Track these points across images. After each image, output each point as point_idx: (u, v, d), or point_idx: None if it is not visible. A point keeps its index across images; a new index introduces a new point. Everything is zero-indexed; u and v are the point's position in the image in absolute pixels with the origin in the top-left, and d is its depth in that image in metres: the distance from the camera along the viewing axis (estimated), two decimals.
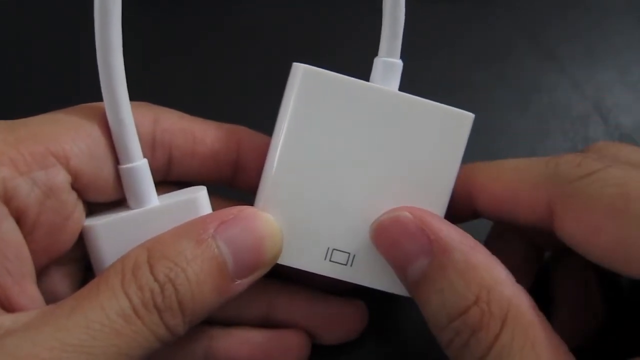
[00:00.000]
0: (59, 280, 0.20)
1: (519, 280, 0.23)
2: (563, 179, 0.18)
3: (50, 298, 0.19)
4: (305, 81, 0.19)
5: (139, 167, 0.19)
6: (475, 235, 0.20)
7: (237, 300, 0.19)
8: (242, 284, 0.18)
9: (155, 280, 0.17)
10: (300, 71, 0.19)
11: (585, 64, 0.31)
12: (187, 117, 0.21)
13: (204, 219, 0.18)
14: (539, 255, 0.24)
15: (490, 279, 0.17)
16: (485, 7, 0.33)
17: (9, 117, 0.19)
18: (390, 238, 0.19)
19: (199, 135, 0.21)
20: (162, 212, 0.19)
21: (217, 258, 0.17)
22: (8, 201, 0.17)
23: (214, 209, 0.20)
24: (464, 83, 0.30)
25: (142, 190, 0.20)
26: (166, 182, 0.21)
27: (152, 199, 0.20)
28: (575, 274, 0.23)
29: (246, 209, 0.19)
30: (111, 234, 0.19)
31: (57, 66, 0.31)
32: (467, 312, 0.17)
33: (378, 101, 0.20)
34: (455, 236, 0.18)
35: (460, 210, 0.21)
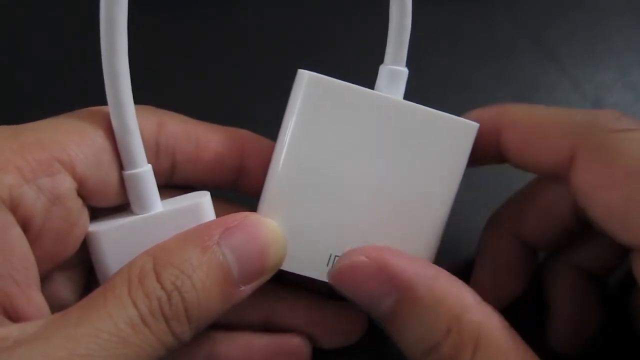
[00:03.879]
0: (62, 285, 0.20)
1: (514, 283, 0.23)
2: (598, 128, 0.18)
3: (54, 303, 0.19)
4: (309, 88, 0.19)
5: (144, 173, 0.19)
6: (468, 235, 0.19)
7: (239, 305, 0.19)
8: (246, 289, 0.18)
9: (162, 288, 0.17)
10: (305, 78, 0.19)
11: (585, 64, 0.31)
12: (190, 121, 0.21)
13: (209, 226, 0.18)
14: (533, 256, 0.24)
15: (458, 306, 0.17)
16: (486, 7, 0.33)
17: (13, 121, 0.19)
18: (352, 283, 0.19)
19: (203, 140, 0.21)
20: (165, 217, 0.19)
21: (223, 265, 0.17)
22: (15, 209, 0.17)
23: (217, 213, 0.20)
24: (464, 83, 0.30)
25: (146, 196, 0.20)
26: (169, 186, 0.21)
27: (156, 205, 0.20)
28: (570, 281, 0.23)
29: (250, 216, 0.19)
30: (115, 240, 0.19)
31: (60, 69, 0.31)
32: (440, 345, 0.17)
33: (382, 109, 0.20)
34: (416, 270, 0.18)
35: (484, 150, 0.21)
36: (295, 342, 0.22)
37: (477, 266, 0.24)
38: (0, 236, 0.17)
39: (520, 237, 0.23)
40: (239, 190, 0.22)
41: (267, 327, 0.22)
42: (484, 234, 0.24)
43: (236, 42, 0.32)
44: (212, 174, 0.21)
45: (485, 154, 0.21)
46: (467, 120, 0.20)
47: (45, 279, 0.19)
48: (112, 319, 0.16)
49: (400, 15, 0.20)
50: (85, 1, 0.33)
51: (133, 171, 0.19)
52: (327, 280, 0.20)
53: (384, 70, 0.20)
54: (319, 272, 0.20)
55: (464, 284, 0.18)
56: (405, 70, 0.20)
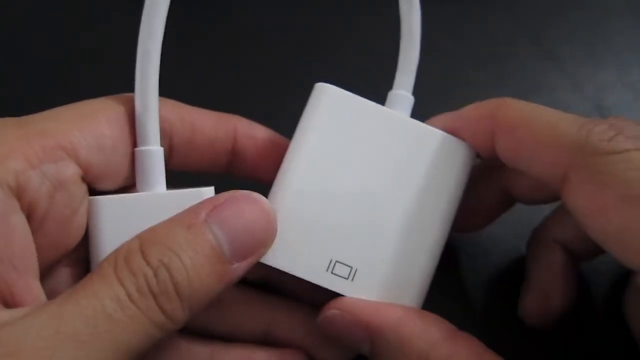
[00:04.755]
0: (66, 281, 0.20)
1: (482, 216, 0.24)
2: (590, 149, 0.17)
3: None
4: (327, 100, 0.21)
5: (155, 151, 0.20)
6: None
7: (238, 315, 0.19)
8: (240, 267, 0.18)
9: (148, 264, 0.16)
10: (323, 91, 0.21)
11: (585, 64, 0.31)
12: (184, 106, 0.22)
13: (196, 206, 0.18)
14: (510, 203, 0.24)
15: (425, 345, 0.18)
16: (486, 7, 0.33)
17: (16, 113, 0.19)
18: (334, 333, 0.20)
19: (198, 124, 0.21)
20: (166, 198, 0.20)
21: (211, 242, 0.17)
22: (20, 195, 0.17)
23: None
24: (464, 83, 0.30)
25: (152, 175, 0.20)
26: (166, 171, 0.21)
27: (161, 186, 0.20)
28: (551, 257, 0.23)
29: (237, 192, 0.19)
30: (113, 210, 0.19)
31: (60, 69, 0.31)
32: None
33: (393, 127, 0.21)
34: (384, 315, 0.19)
35: (481, 150, 0.21)
36: (294, 356, 0.22)
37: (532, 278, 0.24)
38: (3, 222, 0.17)
39: (505, 187, 0.23)
40: (231, 174, 0.23)
41: (266, 339, 0.22)
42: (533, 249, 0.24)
43: (236, 42, 0.32)
44: (205, 158, 0.22)
45: (483, 152, 0.21)
46: (467, 143, 0.21)
47: (49, 274, 0.19)
48: (97, 296, 0.16)
49: (409, 47, 0.22)
50: (85, 1, 0.33)
51: (145, 148, 0.20)
52: (324, 286, 0.20)
53: (392, 96, 0.22)
54: (318, 277, 0.20)
55: (433, 318, 0.19)
56: (412, 97, 0.22)
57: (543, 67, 0.31)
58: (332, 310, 0.20)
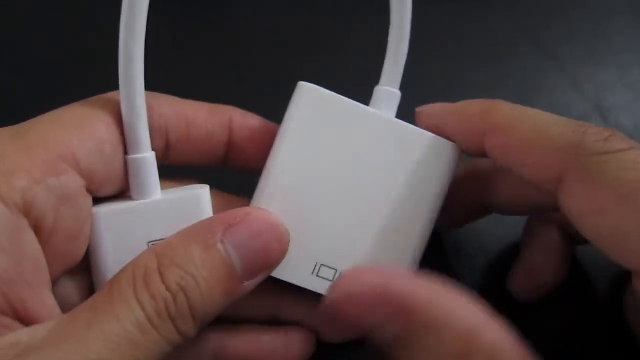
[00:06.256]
0: (75, 291, 0.20)
1: (454, 221, 0.23)
2: (585, 149, 0.17)
3: (64, 307, 0.19)
4: (308, 100, 0.20)
5: (147, 158, 0.20)
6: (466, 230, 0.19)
7: (246, 300, 0.19)
8: (250, 284, 0.18)
9: (167, 289, 0.17)
10: (304, 90, 0.20)
11: (585, 64, 0.31)
12: (177, 100, 0.22)
13: (211, 223, 0.18)
14: (485, 212, 0.24)
15: (469, 327, 0.16)
16: (486, 7, 0.33)
17: (13, 122, 0.19)
18: (353, 313, 0.17)
19: (192, 117, 0.21)
20: (163, 205, 0.20)
21: (226, 262, 0.18)
22: (27, 212, 0.17)
23: (214, 202, 0.20)
24: (464, 83, 0.30)
25: (146, 182, 0.20)
26: (164, 166, 0.21)
27: (155, 192, 0.20)
28: (548, 236, 0.23)
29: (253, 211, 0.19)
30: (112, 222, 0.19)
31: (60, 69, 0.31)
32: None
33: (375, 126, 0.20)
34: (421, 290, 0.16)
35: (470, 148, 0.21)
36: (299, 336, 0.22)
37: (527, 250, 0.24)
38: (14, 242, 0.17)
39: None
40: (228, 165, 0.23)
41: (274, 321, 0.22)
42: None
43: (235, 42, 0.32)
44: (202, 151, 0.22)
45: (471, 150, 0.21)
46: (451, 143, 0.21)
47: (55, 286, 0.19)
48: (120, 321, 0.16)
49: (398, 41, 0.21)
50: (85, 1, 0.33)
51: (136, 155, 0.20)
52: (311, 289, 0.20)
53: (378, 91, 0.21)
54: (304, 280, 0.20)
55: (475, 302, 0.17)
56: (399, 93, 0.21)
57: (543, 67, 0.31)
58: (357, 282, 0.17)
